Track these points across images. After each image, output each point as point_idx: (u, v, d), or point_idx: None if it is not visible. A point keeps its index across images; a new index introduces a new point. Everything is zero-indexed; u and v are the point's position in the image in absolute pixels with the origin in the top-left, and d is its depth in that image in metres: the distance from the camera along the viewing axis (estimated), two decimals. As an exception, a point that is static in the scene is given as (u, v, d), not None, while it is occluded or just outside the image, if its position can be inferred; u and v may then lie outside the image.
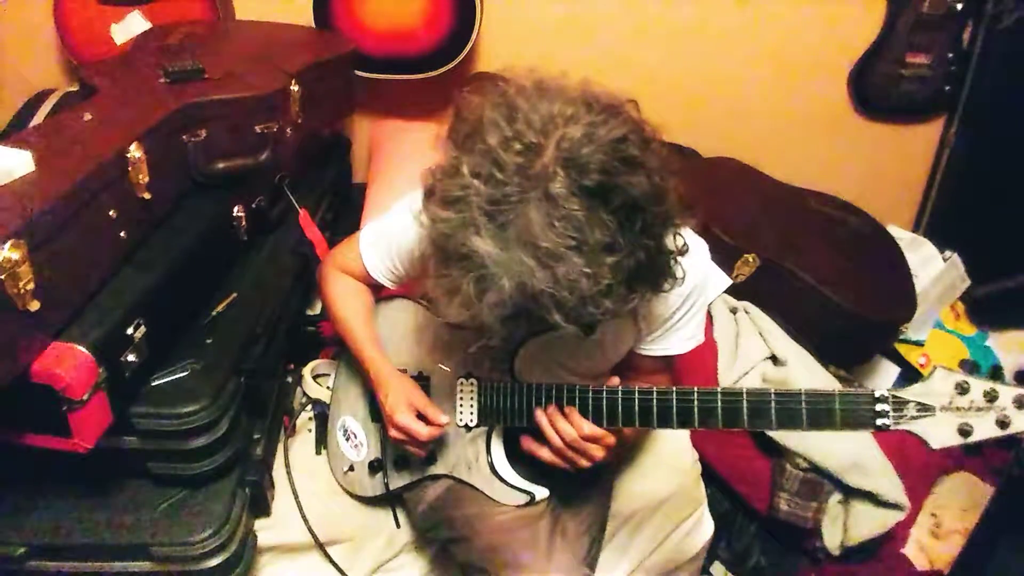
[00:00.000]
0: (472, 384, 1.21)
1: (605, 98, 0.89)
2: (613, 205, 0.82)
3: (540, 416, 1.09)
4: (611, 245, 0.82)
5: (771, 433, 1.62)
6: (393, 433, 1.20)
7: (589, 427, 1.05)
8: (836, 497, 1.64)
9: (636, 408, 1.03)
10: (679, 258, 0.96)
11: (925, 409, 0.88)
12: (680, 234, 0.96)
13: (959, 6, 1.99)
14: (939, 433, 0.88)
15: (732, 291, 1.82)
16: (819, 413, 0.93)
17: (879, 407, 0.90)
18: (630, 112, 0.89)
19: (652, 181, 0.85)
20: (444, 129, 0.92)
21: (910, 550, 1.75)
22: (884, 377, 1.98)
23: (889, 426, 0.90)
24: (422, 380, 1.28)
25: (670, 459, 1.51)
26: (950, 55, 2.06)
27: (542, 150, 0.82)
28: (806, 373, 1.68)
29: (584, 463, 1.08)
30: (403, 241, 1.19)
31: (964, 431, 0.87)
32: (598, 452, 1.07)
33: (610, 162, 0.82)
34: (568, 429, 1.06)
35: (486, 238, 0.82)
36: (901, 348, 1.99)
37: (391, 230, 1.21)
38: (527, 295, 0.83)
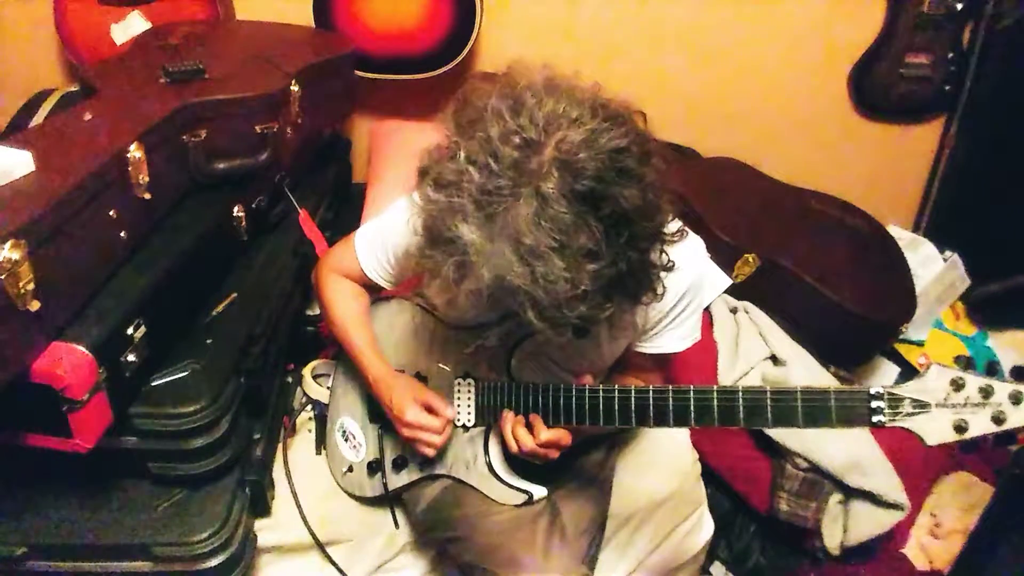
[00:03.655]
0: (469, 384, 1.21)
1: (613, 105, 0.88)
2: (602, 213, 0.82)
3: (504, 423, 1.13)
4: (594, 252, 0.82)
5: (771, 433, 1.62)
6: (405, 432, 1.19)
7: (546, 435, 1.08)
8: (836, 497, 1.64)
9: (632, 407, 1.03)
10: (667, 254, 0.96)
11: (921, 406, 0.88)
12: (665, 251, 0.96)
13: (959, 6, 1.99)
14: (935, 430, 0.88)
15: (732, 291, 1.82)
16: (815, 410, 0.92)
17: (875, 404, 0.90)
18: (636, 123, 0.89)
19: (645, 196, 0.85)
20: (448, 111, 0.91)
21: (910, 550, 1.75)
22: (884, 377, 1.98)
23: (885, 423, 0.89)
24: (420, 381, 1.28)
25: (670, 459, 1.51)
26: (950, 55, 2.06)
27: (541, 148, 0.82)
28: (806, 373, 1.68)
29: (538, 462, 1.13)
30: (398, 239, 1.19)
31: (960, 427, 0.87)
32: (553, 454, 1.11)
33: (606, 170, 0.82)
34: (526, 439, 1.09)
35: (472, 226, 0.82)
36: (901, 348, 1.99)
37: (386, 228, 1.22)
38: (504, 288, 0.83)
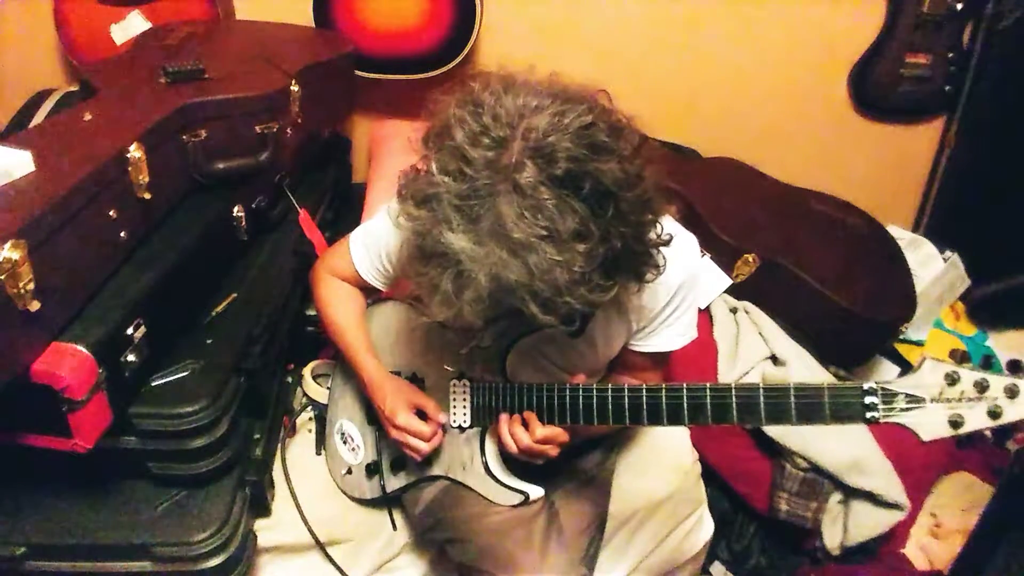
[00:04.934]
0: (465, 385, 1.21)
1: (573, 88, 0.89)
2: (584, 192, 0.81)
3: (501, 424, 1.13)
4: (583, 233, 0.81)
5: (771, 432, 1.62)
6: (395, 434, 1.20)
7: (542, 431, 1.08)
8: (836, 497, 1.64)
9: (626, 405, 1.03)
10: (662, 248, 0.96)
11: (915, 401, 0.87)
12: (661, 223, 0.95)
13: (959, 6, 1.99)
14: (930, 425, 0.87)
15: (732, 291, 1.82)
16: (808, 407, 0.91)
17: (868, 400, 0.89)
18: (598, 100, 0.89)
19: (623, 167, 0.84)
20: (416, 132, 0.92)
21: (910, 550, 1.75)
22: (884, 377, 1.97)
23: (879, 419, 0.88)
24: (415, 382, 1.28)
25: (670, 459, 1.51)
26: (950, 55, 2.06)
27: (509, 142, 0.83)
28: (806, 373, 1.68)
29: (539, 461, 1.13)
30: (391, 241, 1.19)
31: (955, 422, 0.86)
32: (552, 451, 1.11)
33: (578, 149, 0.82)
34: (522, 436, 1.09)
35: (459, 233, 0.82)
36: (901, 348, 1.99)
37: (379, 230, 1.22)
38: (503, 288, 0.83)
